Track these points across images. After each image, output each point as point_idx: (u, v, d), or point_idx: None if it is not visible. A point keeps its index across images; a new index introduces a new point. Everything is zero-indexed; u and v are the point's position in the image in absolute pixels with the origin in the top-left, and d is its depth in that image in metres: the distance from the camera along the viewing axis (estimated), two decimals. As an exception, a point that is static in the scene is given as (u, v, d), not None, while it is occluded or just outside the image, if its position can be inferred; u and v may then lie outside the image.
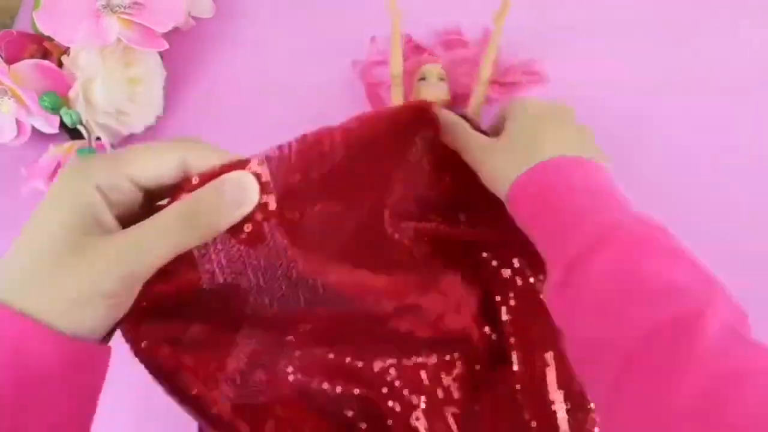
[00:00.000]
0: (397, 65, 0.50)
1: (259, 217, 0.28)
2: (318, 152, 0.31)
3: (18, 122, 0.53)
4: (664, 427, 0.23)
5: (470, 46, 0.55)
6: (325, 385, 0.37)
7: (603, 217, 0.31)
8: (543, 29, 0.55)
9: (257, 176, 0.28)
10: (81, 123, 0.52)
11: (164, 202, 0.28)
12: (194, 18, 0.61)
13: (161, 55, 0.57)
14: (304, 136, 0.30)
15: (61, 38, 0.52)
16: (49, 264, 0.25)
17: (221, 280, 0.29)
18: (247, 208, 0.28)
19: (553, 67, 0.53)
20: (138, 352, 0.29)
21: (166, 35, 0.54)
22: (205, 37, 0.62)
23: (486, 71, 0.49)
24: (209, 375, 0.32)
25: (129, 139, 0.57)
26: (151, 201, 0.28)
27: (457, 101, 0.51)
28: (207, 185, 0.27)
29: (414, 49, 0.56)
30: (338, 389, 0.38)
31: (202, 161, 0.28)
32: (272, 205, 0.28)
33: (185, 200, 0.27)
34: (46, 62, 0.53)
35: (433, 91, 0.50)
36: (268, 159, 0.29)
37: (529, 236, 0.34)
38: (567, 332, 0.31)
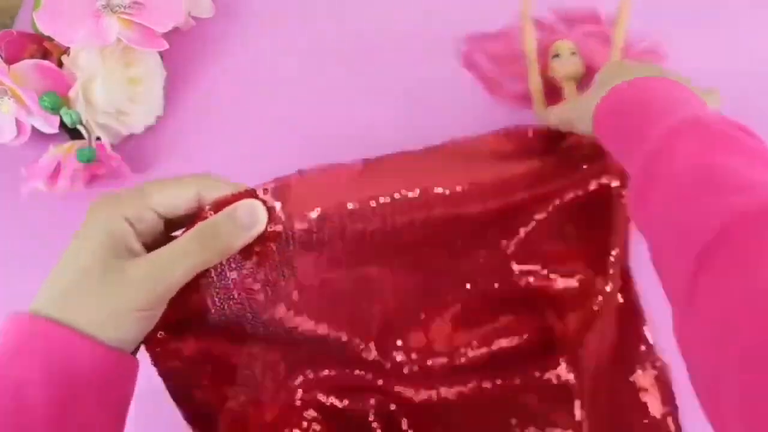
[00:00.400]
0: (529, 45, 0.52)
1: (267, 237, 0.32)
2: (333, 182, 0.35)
3: (18, 122, 0.53)
4: (744, 314, 0.23)
5: (602, 23, 0.56)
6: (345, 402, 0.37)
7: (680, 115, 0.31)
8: (666, 10, 0.56)
9: (264, 203, 0.32)
10: (81, 123, 0.52)
11: (179, 232, 0.32)
12: (194, 18, 0.60)
13: (161, 55, 0.57)
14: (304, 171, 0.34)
15: (61, 38, 0.52)
16: (90, 283, 0.29)
17: (236, 296, 0.33)
18: (257, 230, 0.32)
19: (674, 48, 0.53)
20: (157, 364, 0.33)
21: (166, 35, 0.54)
22: (205, 37, 0.62)
23: (620, 37, 0.50)
24: (218, 388, 0.35)
25: (129, 139, 0.57)
26: (170, 229, 0.33)
27: (590, 74, 0.53)
28: (221, 211, 0.31)
29: (539, 28, 0.56)
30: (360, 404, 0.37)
31: (214, 192, 0.32)
32: (278, 228, 0.32)
33: (202, 224, 0.31)
34: (46, 62, 0.53)
35: (568, 67, 0.51)
36: (274, 187, 0.33)
37: (613, 154, 0.35)
38: (646, 235, 0.30)
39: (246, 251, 0.32)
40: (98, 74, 0.53)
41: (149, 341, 0.32)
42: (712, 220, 0.25)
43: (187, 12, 0.58)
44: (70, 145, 0.53)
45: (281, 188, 0.32)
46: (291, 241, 0.33)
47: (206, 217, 0.31)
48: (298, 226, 0.32)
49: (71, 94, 0.52)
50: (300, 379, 0.37)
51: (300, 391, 0.37)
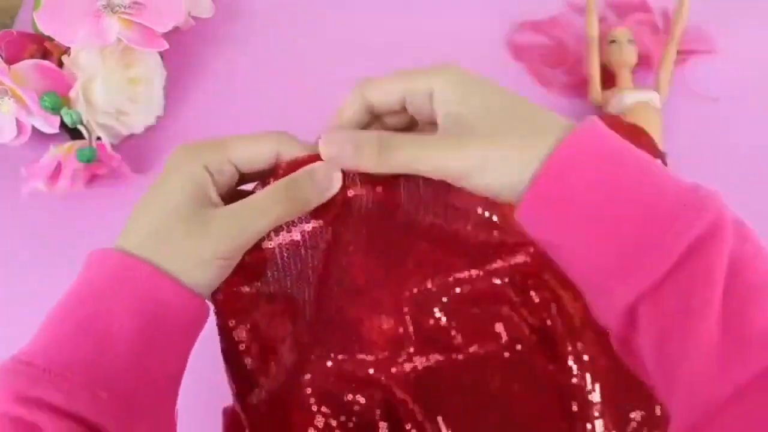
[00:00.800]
0: (592, 27, 0.54)
1: (339, 199, 0.33)
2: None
3: (18, 122, 0.53)
4: None
5: (651, 12, 0.58)
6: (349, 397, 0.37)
7: (683, 221, 0.24)
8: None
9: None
10: (81, 123, 0.52)
11: (249, 186, 0.33)
12: (194, 18, 0.60)
13: (161, 55, 0.57)
14: None
15: (61, 38, 0.52)
16: (177, 228, 0.30)
17: (303, 252, 0.34)
18: (332, 192, 0.32)
19: (725, 39, 0.54)
20: (218, 314, 0.34)
21: (166, 35, 0.54)
22: (205, 37, 0.62)
23: (678, 30, 0.52)
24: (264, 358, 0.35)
25: (129, 139, 0.57)
26: (241, 183, 0.34)
27: (642, 63, 0.55)
28: (301, 169, 0.32)
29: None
30: (362, 400, 0.37)
31: (292, 152, 0.32)
32: (350, 193, 0.33)
33: (285, 180, 0.32)
34: (46, 62, 0.53)
35: (626, 54, 0.53)
36: None
37: (550, 252, 0.29)
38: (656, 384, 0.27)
39: (317, 211, 0.33)
40: (98, 74, 0.53)
41: (217, 292, 0.33)
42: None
43: (187, 12, 0.58)
44: (70, 145, 0.53)
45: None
46: (360, 210, 0.34)
47: (282, 175, 0.32)
48: (367, 196, 0.33)
49: (71, 94, 0.52)
50: (319, 366, 0.37)
51: (314, 384, 0.37)
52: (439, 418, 0.37)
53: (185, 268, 0.30)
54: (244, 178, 0.34)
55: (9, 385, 0.27)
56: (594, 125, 0.28)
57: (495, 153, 0.28)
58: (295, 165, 0.32)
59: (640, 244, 0.25)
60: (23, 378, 0.27)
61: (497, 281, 0.38)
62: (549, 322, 0.38)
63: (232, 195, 0.33)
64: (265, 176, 0.33)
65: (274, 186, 0.32)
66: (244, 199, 0.31)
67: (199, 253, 0.30)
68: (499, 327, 0.38)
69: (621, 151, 0.27)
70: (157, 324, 0.29)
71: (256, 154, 0.32)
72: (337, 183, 0.33)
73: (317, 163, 0.32)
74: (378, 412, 0.37)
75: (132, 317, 0.28)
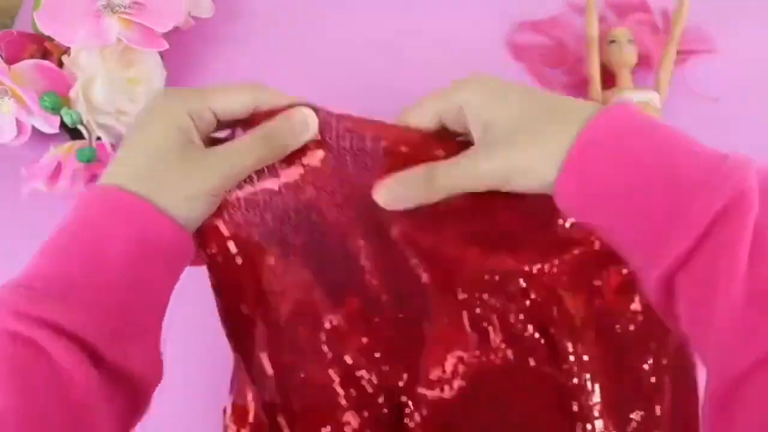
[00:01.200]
0: (592, 27, 0.54)
1: (312, 146, 0.35)
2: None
3: (18, 122, 0.53)
4: None
5: (651, 12, 0.58)
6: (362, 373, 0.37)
7: (715, 189, 0.25)
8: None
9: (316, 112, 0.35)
10: (81, 123, 0.52)
11: (221, 134, 0.35)
12: (194, 18, 0.60)
13: (161, 55, 0.57)
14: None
15: (61, 38, 0.52)
16: (167, 166, 0.31)
17: (278, 189, 0.35)
18: (308, 135, 0.34)
19: (725, 39, 0.54)
20: (207, 255, 0.35)
21: (166, 35, 0.54)
22: (205, 37, 0.62)
23: (678, 31, 0.52)
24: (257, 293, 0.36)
25: (129, 139, 0.57)
26: (216, 131, 0.35)
27: (642, 64, 0.55)
28: (280, 114, 0.34)
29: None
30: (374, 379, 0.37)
31: (269, 101, 0.34)
32: (319, 142, 0.35)
33: (265, 125, 0.33)
34: (46, 62, 0.53)
35: (626, 54, 0.53)
36: (319, 109, 0.35)
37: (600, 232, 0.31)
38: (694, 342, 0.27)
39: (292, 157, 0.35)
40: (98, 74, 0.53)
41: (201, 228, 0.34)
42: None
43: (187, 12, 0.58)
44: (71, 145, 0.53)
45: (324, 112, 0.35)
46: (334, 157, 0.35)
47: (259, 122, 0.34)
48: (342, 143, 0.35)
49: (71, 94, 0.52)
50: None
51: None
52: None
53: (175, 203, 0.31)
54: (220, 125, 0.35)
55: (9, 304, 0.28)
56: (619, 105, 0.29)
57: (520, 161, 0.30)
58: (273, 113, 0.34)
59: (666, 218, 0.26)
60: (23, 298, 0.28)
61: (510, 288, 0.38)
62: (549, 322, 0.38)
63: (208, 141, 0.34)
64: (241, 123, 0.34)
65: (255, 130, 0.33)
66: (232, 141, 0.33)
67: (189, 188, 0.31)
68: (498, 327, 0.38)
69: (648, 125, 0.29)
70: (146, 254, 0.30)
71: (235, 103, 0.34)
72: (313, 127, 0.34)
73: (293, 109, 0.34)
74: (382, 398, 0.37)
75: (123, 246, 0.30)
